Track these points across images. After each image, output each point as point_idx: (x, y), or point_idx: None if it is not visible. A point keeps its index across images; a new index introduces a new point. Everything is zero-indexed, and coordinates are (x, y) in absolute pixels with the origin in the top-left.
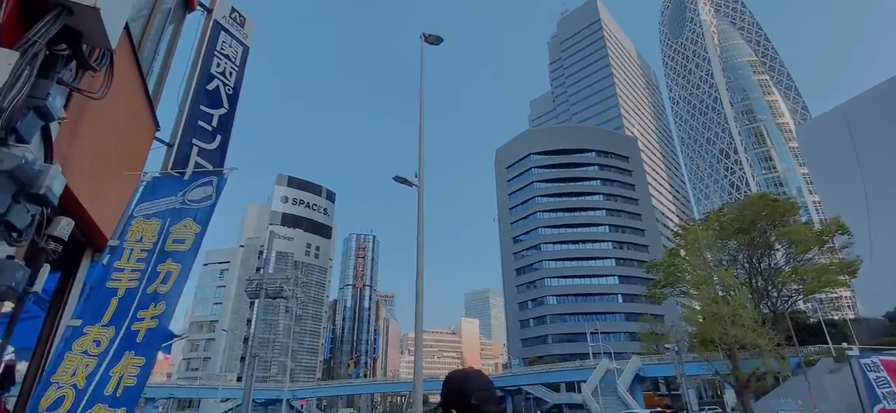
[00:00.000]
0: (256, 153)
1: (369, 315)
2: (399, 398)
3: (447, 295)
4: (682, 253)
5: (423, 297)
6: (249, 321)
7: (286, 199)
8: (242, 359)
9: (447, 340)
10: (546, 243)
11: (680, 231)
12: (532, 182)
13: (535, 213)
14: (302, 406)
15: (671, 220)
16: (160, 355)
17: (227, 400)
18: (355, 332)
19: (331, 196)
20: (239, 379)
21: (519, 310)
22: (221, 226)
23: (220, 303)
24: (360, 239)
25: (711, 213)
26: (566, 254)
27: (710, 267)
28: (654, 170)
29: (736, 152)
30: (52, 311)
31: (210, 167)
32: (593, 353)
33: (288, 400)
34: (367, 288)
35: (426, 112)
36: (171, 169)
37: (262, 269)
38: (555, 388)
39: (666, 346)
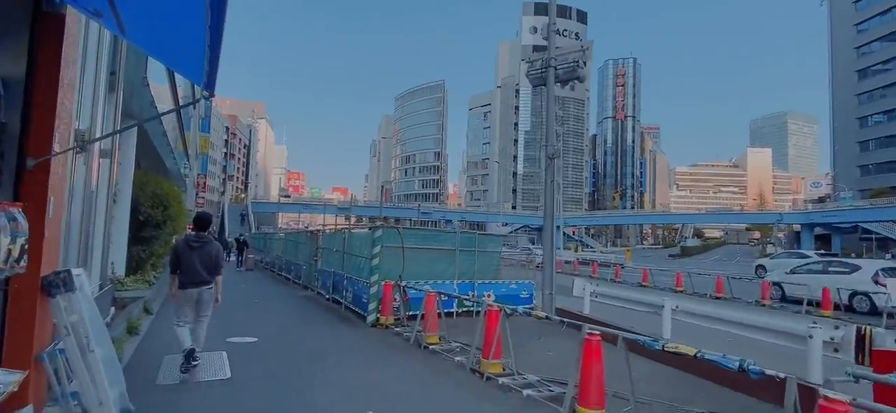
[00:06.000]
0: None
1: (633, 148)
2: (670, 231)
3: (725, 123)
4: None
5: None
6: (515, 157)
7: (535, 30)
8: (514, 191)
9: (726, 174)
10: None
11: None
12: None
13: None
14: (573, 233)
15: None
16: (451, 187)
17: (506, 224)
18: (618, 165)
19: (582, 17)
20: (513, 207)
21: (858, 127)
22: (476, 68)
23: (488, 143)
24: (617, 65)
25: None
26: None
27: None
28: None
29: None
30: None
31: None
32: None
33: (559, 226)
34: (629, 119)
35: None
36: None
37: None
38: None
39: None
